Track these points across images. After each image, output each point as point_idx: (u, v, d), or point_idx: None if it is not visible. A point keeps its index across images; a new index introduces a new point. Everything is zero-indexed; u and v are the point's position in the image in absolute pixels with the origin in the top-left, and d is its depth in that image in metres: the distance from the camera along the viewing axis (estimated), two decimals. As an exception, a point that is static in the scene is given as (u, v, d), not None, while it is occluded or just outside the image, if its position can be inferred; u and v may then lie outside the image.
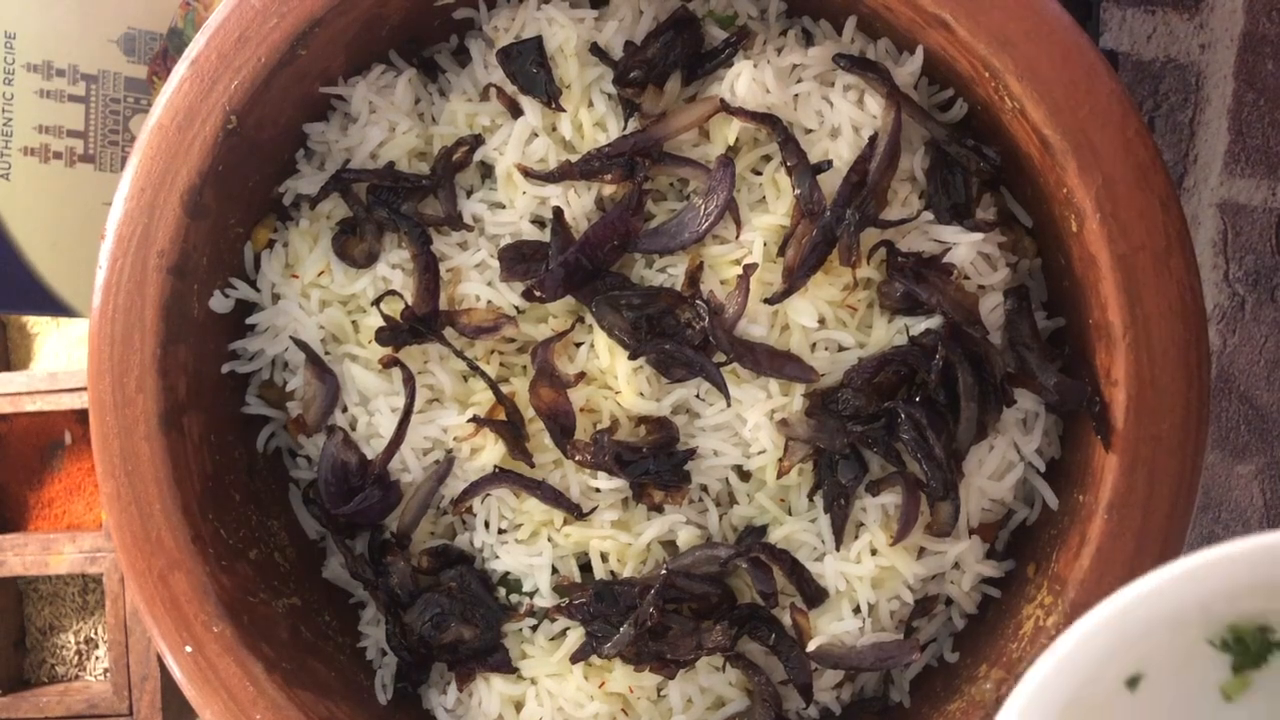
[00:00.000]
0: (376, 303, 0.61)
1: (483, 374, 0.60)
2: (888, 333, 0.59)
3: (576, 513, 0.60)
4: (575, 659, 0.61)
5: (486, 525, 0.63)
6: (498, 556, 0.62)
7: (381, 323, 0.60)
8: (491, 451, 0.61)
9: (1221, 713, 0.42)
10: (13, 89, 0.71)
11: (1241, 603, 0.39)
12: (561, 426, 0.59)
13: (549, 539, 0.62)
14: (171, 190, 0.58)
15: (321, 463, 0.63)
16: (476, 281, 0.61)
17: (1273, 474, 0.81)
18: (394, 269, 0.61)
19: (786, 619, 0.60)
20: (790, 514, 0.60)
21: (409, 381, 0.61)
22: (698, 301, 0.58)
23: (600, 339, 0.59)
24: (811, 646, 0.60)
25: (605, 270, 0.59)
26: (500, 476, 0.61)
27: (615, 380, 0.59)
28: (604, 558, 0.61)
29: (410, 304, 0.60)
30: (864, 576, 0.59)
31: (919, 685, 0.63)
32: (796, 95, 0.59)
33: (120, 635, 0.82)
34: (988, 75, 0.55)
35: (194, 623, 0.58)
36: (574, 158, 0.59)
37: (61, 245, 0.74)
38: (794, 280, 0.57)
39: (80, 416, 0.87)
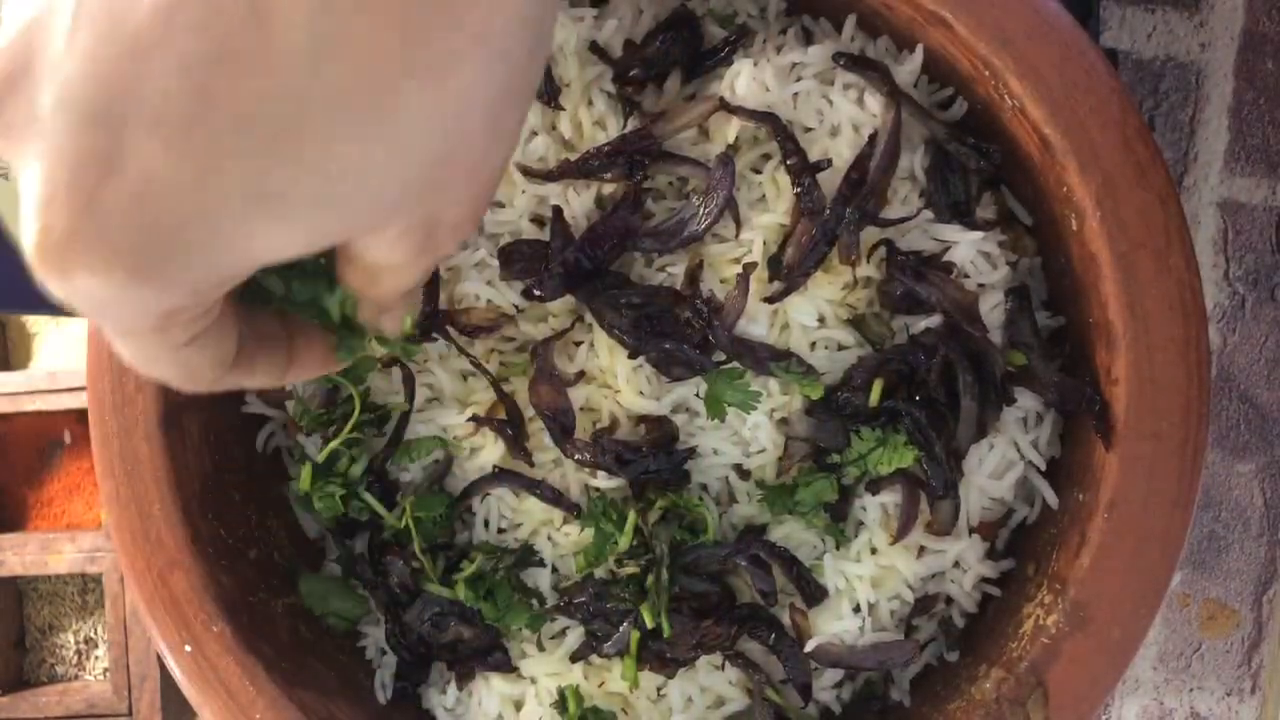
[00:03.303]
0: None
1: (485, 371, 0.60)
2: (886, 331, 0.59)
3: (576, 512, 0.60)
4: (575, 658, 0.61)
5: (486, 524, 0.63)
6: (497, 556, 0.62)
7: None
8: (491, 451, 0.61)
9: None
10: (12, 88, 0.71)
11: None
12: (561, 425, 0.59)
13: (549, 538, 0.62)
14: (171, 189, 0.58)
15: (321, 462, 0.63)
16: (476, 280, 0.60)
17: (1273, 473, 0.81)
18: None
19: (786, 618, 0.60)
20: (790, 513, 0.60)
21: (408, 381, 0.61)
22: (697, 300, 0.58)
23: (600, 338, 0.59)
24: (810, 646, 0.60)
25: (605, 269, 0.59)
26: (500, 476, 0.61)
27: (615, 379, 0.59)
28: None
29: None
30: (864, 575, 0.59)
31: (919, 684, 0.63)
32: (796, 94, 0.59)
33: (120, 635, 0.82)
34: (987, 74, 0.55)
35: (194, 622, 0.58)
36: (573, 156, 0.59)
37: (61, 244, 0.74)
38: (793, 279, 0.57)
39: (80, 416, 0.87)
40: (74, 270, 0.26)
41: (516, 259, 0.59)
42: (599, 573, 0.61)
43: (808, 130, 0.59)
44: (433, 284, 0.60)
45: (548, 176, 0.59)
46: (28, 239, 0.27)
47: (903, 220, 0.58)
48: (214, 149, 0.25)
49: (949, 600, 0.62)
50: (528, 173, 0.59)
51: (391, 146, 0.26)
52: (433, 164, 0.28)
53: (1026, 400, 0.59)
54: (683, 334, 0.58)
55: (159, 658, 0.78)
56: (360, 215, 0.28)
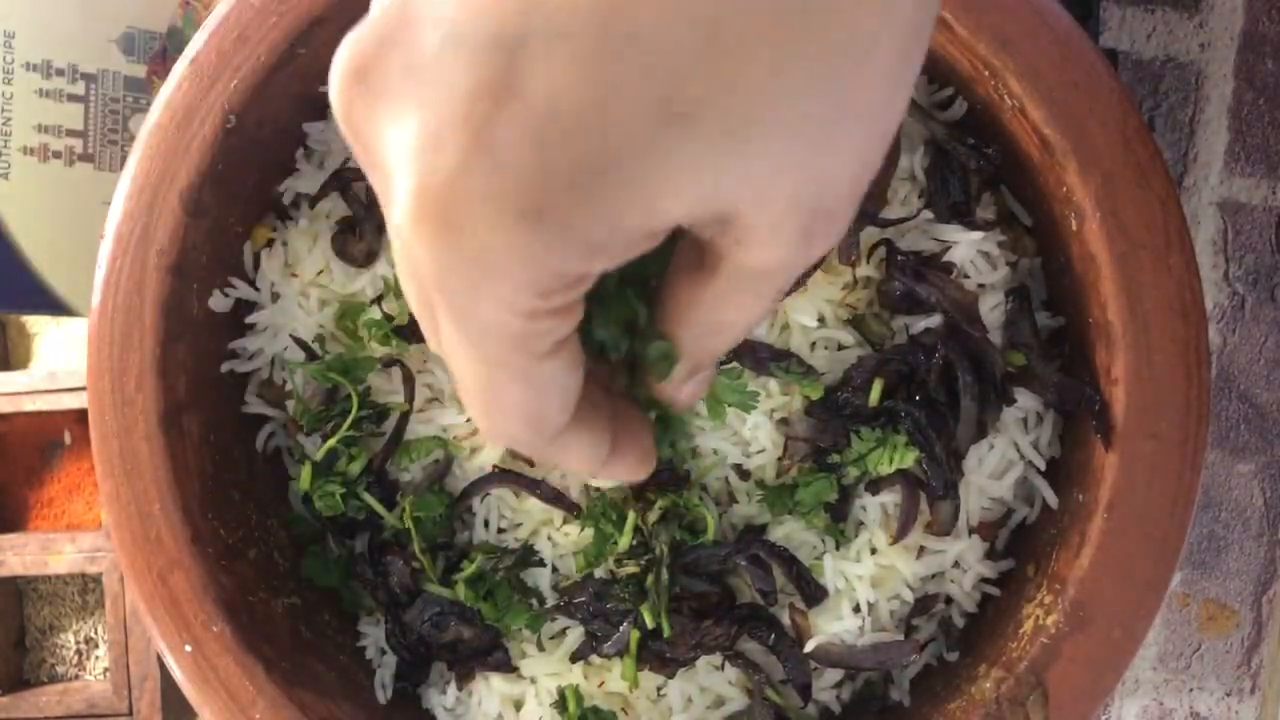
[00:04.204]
0: (376, 301, 0.61)
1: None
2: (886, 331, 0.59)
3: (576, 512, 0.60)
4: (575, 658, 0.61)
5: (486, 524, 0.63)
6: (497, 556, 0.62)
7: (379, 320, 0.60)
8: (491, 451, 0.61)
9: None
10: (12, 88, 0.71)
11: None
12: (561, 426, 0.59)
13: (549, 538, 0.62)
14: (171, 189, 0.58)
15: (321, 462, 0.63)
16: (476, 281, 0.60)
17: (1273, 473, 0.81)
18: (394, 268, 0.61)
19: (786, 618, 0.60)
20: (790, 513, 0.60)
21: (408, 381, 0.61)
22: (697, 300, 0.57)
23: (600, 338, 0.59)
24: (810, 646, 0.60)
25: (605, 269, 0.58)
26: (500, 476, 0.61)
27: (615, 379, 0.59)
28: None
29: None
30: (864, 575, 0.59)
31: (919, 684, 0.63)
32: (796, 94, 0.58)
33: (120, 635, 0.82)
34: (987, 74, 0.55)
35: (194, 622, 0.58)
36: (573, 157, 0.59)
37: (61, 244, 0.74)
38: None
39: (80, 416, 0.86)
40: (461, 215, 0.24)
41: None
42: (599, 573, 0.61)
43: (808, 130, 0.59)
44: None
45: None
46: (402, 194, 0.24)
47: (902, 220, 0.58)
48: (623, 63, 0.22)
49: (949, 600, 0.62)
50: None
51: (813, 73, 0.23)
52: (840, 105, 0.24)
53: (1026, 400, 0.59)
54: (683, 334, 0.58)
55: (159, 658, 0.78)
56: (762, 161, 0.24)
